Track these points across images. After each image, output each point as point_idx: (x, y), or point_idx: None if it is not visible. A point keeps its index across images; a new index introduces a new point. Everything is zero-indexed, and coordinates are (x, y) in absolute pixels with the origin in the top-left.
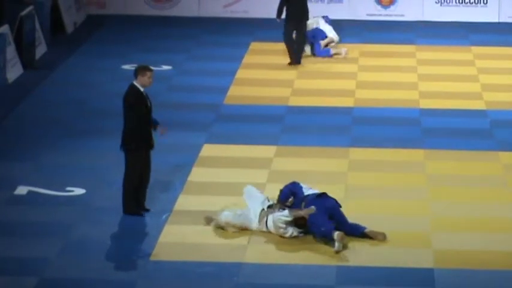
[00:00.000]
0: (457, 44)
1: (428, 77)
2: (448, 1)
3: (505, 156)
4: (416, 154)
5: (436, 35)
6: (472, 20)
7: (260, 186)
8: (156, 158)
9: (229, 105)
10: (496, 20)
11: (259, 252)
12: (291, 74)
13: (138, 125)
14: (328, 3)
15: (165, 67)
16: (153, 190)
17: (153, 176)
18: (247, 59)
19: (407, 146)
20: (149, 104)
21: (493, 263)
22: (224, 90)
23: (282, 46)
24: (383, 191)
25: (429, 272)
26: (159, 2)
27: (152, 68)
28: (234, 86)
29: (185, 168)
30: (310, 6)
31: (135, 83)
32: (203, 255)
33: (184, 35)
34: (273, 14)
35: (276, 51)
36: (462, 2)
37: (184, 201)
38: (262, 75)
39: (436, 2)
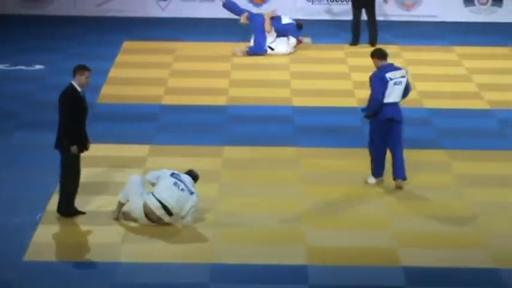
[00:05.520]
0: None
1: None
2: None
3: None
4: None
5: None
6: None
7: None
8: (28, 160)
9: (102, 104)
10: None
11: (134, 251)
12: (164, 73)
13: (73, 124)
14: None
15: (38, 66)
16: (26, 189)
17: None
18: (120, 58)
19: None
20: (86, 105)
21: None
22: (97, 89)
23: (154, 45)
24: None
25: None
26: (33, 1)
27: (89, 67)
28: (107, 85)
29: None
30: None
31: (73, 82)
32: (78, 255)
33: (59, 34)
34: (147, 13)
35: (148, 50)
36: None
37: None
38: (136, 74)
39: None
